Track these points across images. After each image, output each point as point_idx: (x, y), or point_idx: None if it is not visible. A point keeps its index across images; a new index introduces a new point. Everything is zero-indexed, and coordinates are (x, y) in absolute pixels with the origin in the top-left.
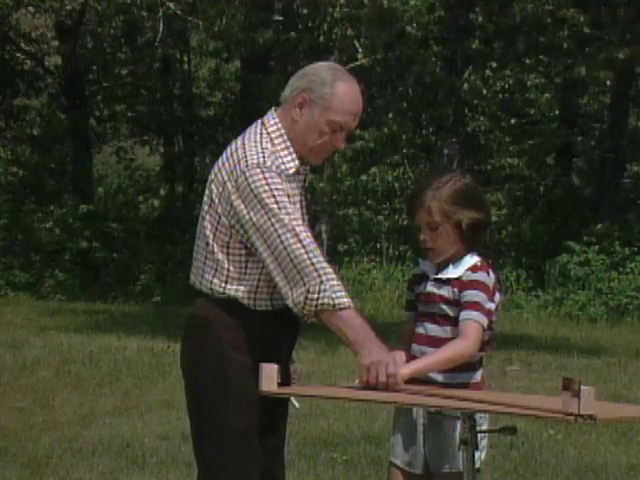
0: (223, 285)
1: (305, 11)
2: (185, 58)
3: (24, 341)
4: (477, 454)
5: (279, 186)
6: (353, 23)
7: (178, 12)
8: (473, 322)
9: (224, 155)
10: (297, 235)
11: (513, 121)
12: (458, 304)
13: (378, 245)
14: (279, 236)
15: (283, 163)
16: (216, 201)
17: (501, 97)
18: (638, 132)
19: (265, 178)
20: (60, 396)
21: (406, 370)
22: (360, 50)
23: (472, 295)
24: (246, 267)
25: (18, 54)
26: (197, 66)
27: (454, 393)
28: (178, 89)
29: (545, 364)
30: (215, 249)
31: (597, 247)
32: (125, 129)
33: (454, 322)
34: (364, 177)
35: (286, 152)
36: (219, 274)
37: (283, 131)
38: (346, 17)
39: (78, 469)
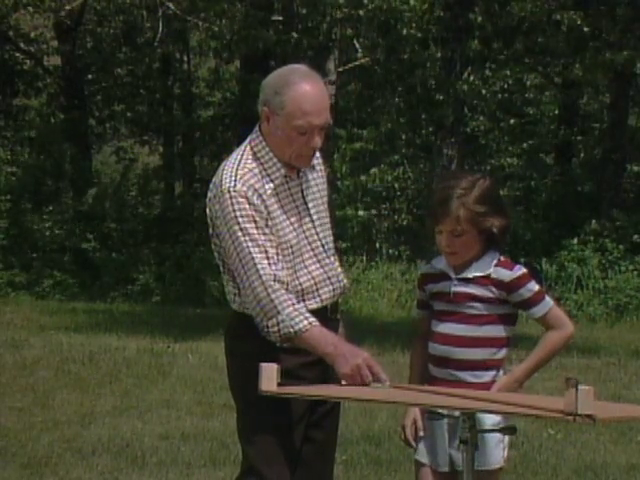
0: (238, 300)
1: (304, 11)
2: (185, 58)
3: (24, 341)
4: (502, 452)
5: (245, 212)
6: (353, 23)
7: (178, 12)
8: (550, 309)
9: (215, 175)
10: (255, 266)
11: (512, 121)
12: (488, 301)
13: (377, 245)
14: (243, 266)
15: (263, 179)
16: (210, 223)
17: (500, 97)
18: (638, 132)
19: (232, 204)
20: (60, 396)
21: (518, 373)
22: (360, 50)
23: (525, 290)
24: None
25: (17, 54)
26: (197, 66)
27: (455, 392)
28: (178, 89)
29: None
30: (227, 267)
31: (596, 247)
32: (125, 129)
33: (483, 320)
34: (364, 177)
35: (270, 163)
36: (235, 290)
37: (264, 143)
38: (346, 17)
39: (78, 469)
